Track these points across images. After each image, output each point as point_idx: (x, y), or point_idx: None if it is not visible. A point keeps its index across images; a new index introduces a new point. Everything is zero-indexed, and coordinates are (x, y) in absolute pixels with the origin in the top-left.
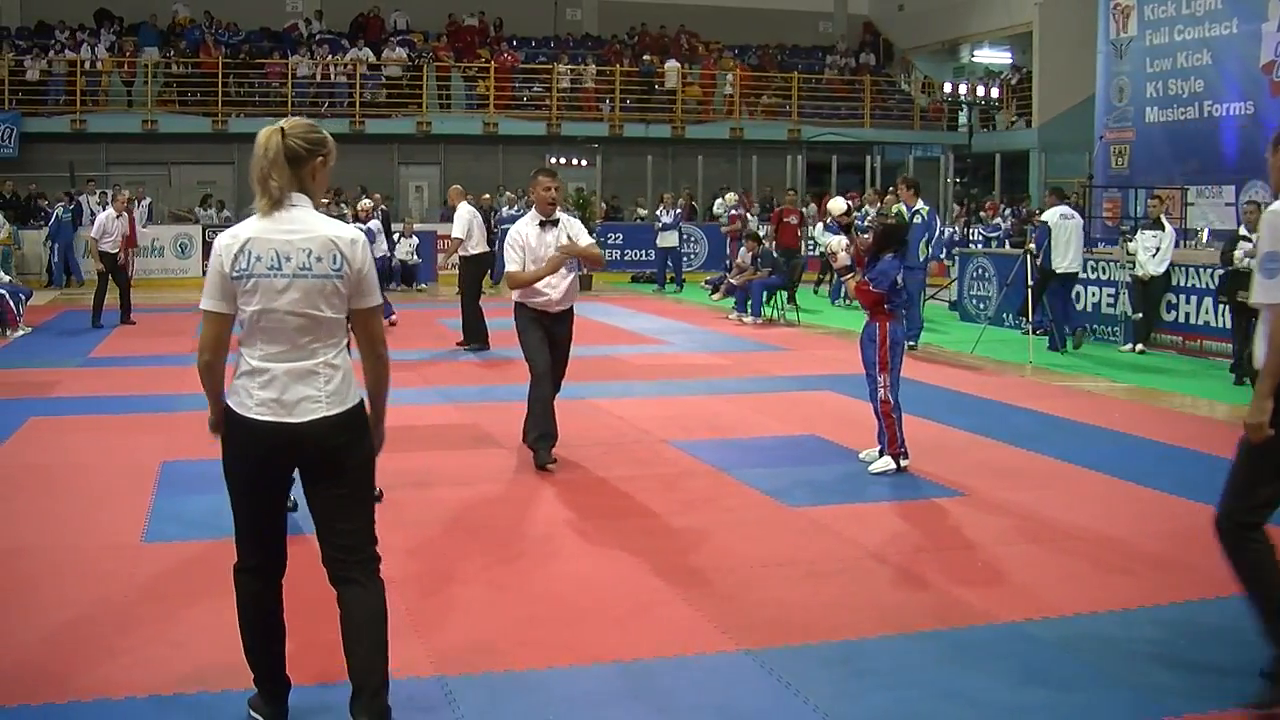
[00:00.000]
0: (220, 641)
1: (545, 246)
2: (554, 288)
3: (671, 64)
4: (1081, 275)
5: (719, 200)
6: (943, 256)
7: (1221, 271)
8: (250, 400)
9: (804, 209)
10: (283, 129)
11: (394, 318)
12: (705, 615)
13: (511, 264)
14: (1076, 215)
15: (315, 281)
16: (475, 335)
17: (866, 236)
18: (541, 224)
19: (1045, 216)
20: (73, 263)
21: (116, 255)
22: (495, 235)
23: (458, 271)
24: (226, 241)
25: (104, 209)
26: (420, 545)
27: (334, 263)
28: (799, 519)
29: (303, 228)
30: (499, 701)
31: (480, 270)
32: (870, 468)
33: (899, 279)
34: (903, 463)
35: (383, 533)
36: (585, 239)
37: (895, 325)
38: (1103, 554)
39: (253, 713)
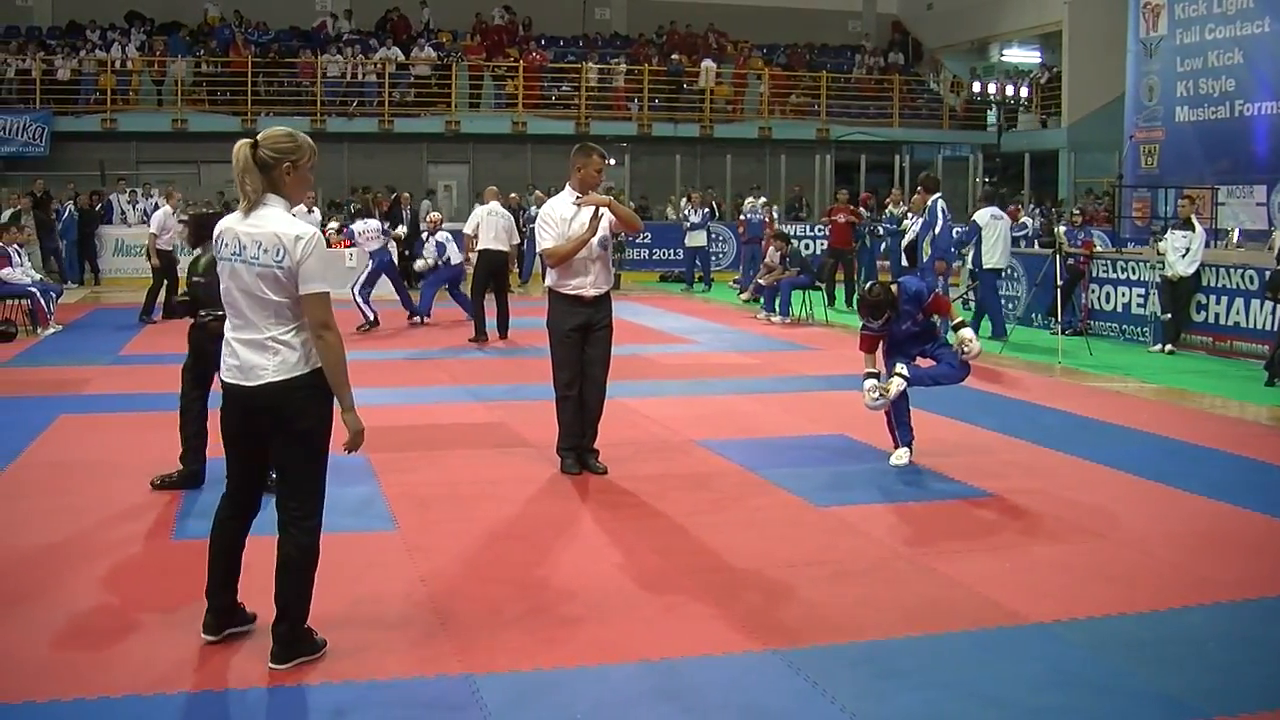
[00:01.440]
0: (250, 639)
1: (582, 226)
2: (587, 273)
3: (708, 64)
4: (1111, 275)
5: (748, 200)
6: (953, 258)
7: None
8: (224, 366)
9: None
10: (255, 141)
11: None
12: (733, 615)
13: (546, 241)
14: (1005, 216)
15: (259, 269)
16: (480, 329)
17: (882, 315)
18: (577, 200)
19: (976, 217)
20: (71, 261)
21: (173, 252)
22: (525, 235)
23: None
24: (215, 229)
25: (133, 206)
26: (447, 544)
27: (276, 255)
28: (827, 519)
29: (261, 224)
30: (526, 700)
31: (483, 267)
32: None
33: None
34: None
35: (411, 532)
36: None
37: None
38: (1131, 555)
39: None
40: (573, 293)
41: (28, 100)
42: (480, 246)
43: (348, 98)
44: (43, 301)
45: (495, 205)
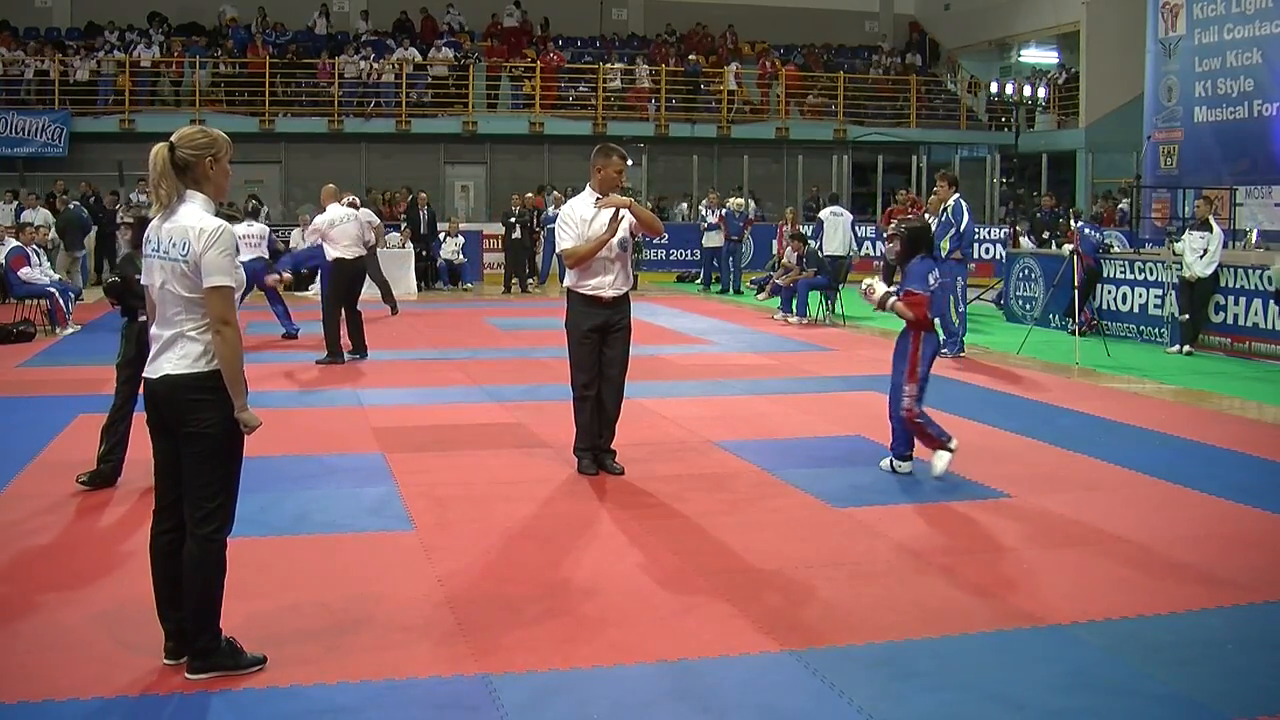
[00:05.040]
0: (264, 638)
1: (602, 227)
2: (606, 274)
3: (734, 66)
4: (1128, 276)
5: (731, 199)
6: (970, 253)
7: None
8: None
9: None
10: (171, 143)
11: (295, 329)
12: (749, 615)
13: (565, 241)
14: (846, 213)
15: (170, 263)
16: (333, 347)
17: (894, 245)
18: (598, 201)
19: (821, 215)
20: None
21: None
22: (542, 237)
23: (322, 276)
24: (146, 228)
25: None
26: (464, 544)
27: (183, 249)
28: (844, 520)
29: (176, 219)
30: (542, 700)
31: (345, 275)
32: (933, 471)
33: (932, 279)
34: (952, 445)
35: (428, 532)
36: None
37: (929, 335)
38: (1150, 557)
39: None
40: (591, 293)
41: (46, 101)
42: (334, 255)
43: (365, 98)
44: (61, 302)
45: (340, 208)
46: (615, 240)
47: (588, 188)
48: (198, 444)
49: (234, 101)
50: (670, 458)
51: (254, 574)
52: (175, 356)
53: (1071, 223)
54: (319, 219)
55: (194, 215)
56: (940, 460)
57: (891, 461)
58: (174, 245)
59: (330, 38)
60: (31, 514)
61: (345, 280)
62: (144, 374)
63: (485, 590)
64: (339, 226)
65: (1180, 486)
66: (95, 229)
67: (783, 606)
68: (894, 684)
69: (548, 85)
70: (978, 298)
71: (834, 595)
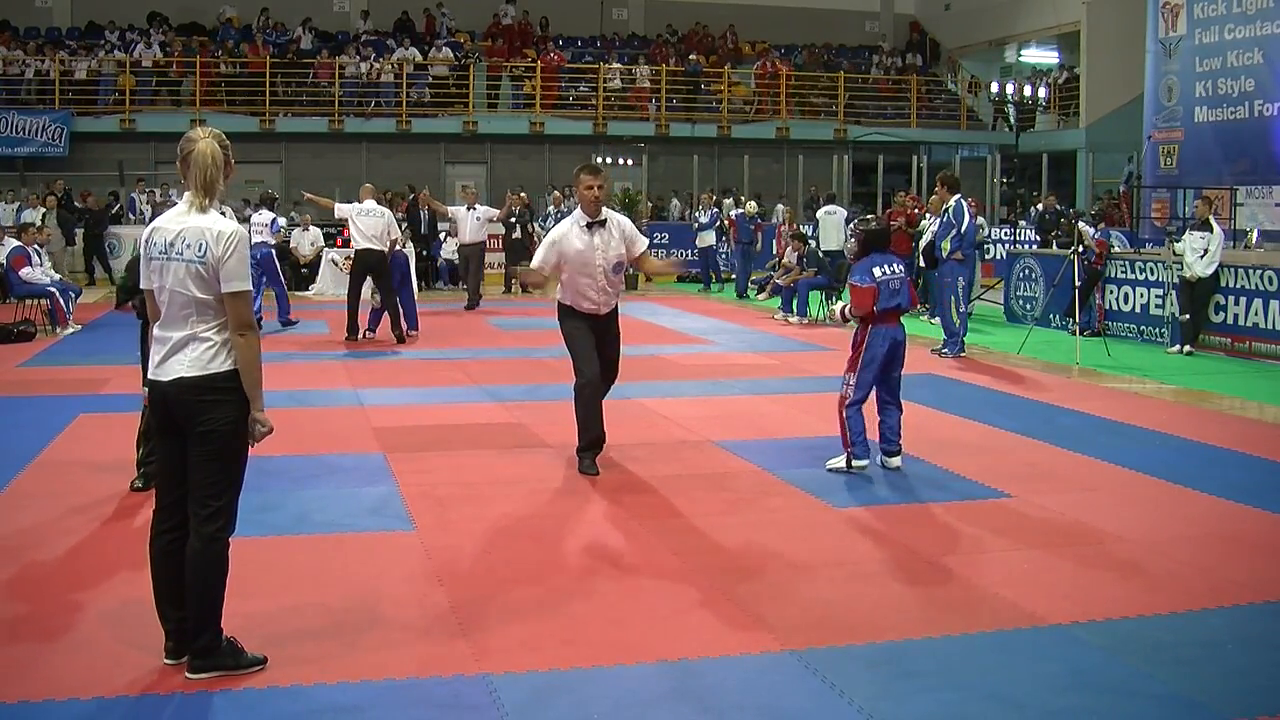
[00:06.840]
0: (265, 638)
1: (593, 250)
2: (601, 295)
3: (754, 65)
4: (1129, 276)
5: (729, 202)
6: (971, 254)
7: None
8: (150, 362)
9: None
10: (216, 139)
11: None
12: (749, 615)
13: (535, 259)
14: (840, 210)
15: (184, 264)
16: (353, 328)
17: (852, 245)
18: (588, 225)
19: (819, 214)
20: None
21: None
22: (539, 238)
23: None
24: (145, 231)
25: (151, 206)
26: (465, 544)
27: (199, 251)
28: (844, 519)
29: (190, 220)
30: (543, 700)
31: (363, 264)
32: (827, 464)
33: (878, 271)
34: (854, 463)
35: (428, 532)
36: (637, 239)
37: (878, 329)
38: (1150, 557)
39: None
40: (586, 312)
41: (46, 101)
42: (357, 246)
43: (365, 98)
44: (61, 301)
45: (371, 204)
46: (610, 264)
47: (577, 208)
48: (208, 442)
49: (234, 101)
50: (671, 457)
51: (254, 574)
52: (188, 358)
53: (1078, 224)
54: (348, 206)
55: (210, 217)
56: (834, 462)
57: (881, 459)
58: (188, 246)
59: (330, 37)
60: (31, 514)
61: (362, 269)
62: (151, 376)
63: (485, 590)
64: (364, 219)
65: (1180, 486)
66: (82, 230)
67: (782, 606)
68: (894, 683)
69: (548, 85)
70: (979, 298)
71: (834, 595)
